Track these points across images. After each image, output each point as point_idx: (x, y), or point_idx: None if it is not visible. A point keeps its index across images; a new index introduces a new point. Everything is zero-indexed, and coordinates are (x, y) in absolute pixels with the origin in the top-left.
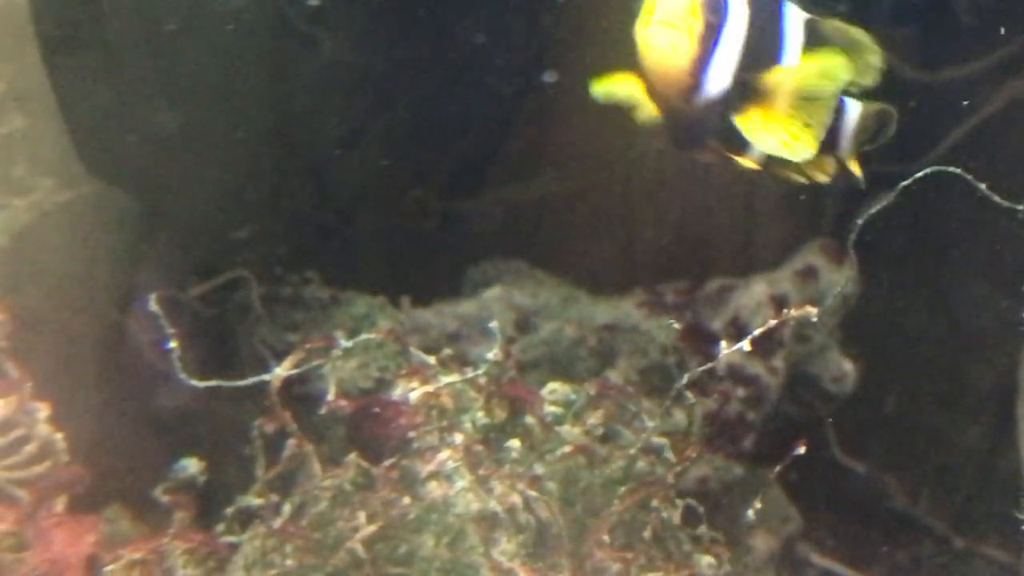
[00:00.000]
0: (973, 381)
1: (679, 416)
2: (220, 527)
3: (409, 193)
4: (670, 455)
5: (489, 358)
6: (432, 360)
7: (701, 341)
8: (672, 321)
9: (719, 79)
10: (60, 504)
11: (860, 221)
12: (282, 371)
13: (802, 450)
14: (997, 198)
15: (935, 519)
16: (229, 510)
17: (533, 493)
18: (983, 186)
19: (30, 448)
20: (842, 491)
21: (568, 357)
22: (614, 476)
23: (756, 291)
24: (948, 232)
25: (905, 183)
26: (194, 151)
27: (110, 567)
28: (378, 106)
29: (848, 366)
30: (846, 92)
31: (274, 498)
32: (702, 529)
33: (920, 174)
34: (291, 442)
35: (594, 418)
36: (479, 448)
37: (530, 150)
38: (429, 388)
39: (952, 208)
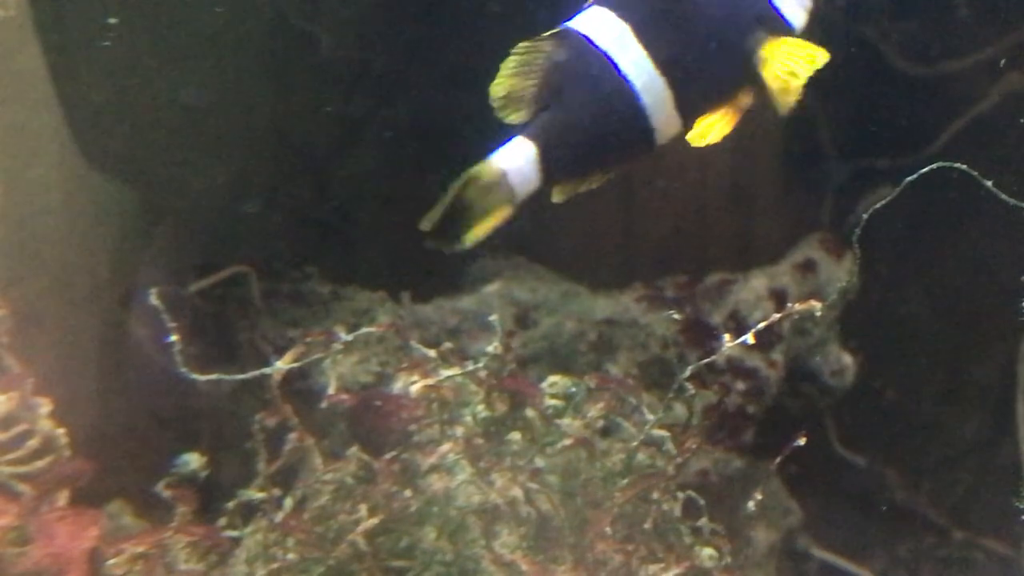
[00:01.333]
0: (973, 373)
1: (679, 409)
2: (222, 521)
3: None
4: (670, 448)
5: (489, 352)
6: (432, 354)
7: (701, 335)
8: (672, 312)
9: None
10: (62, 499)
11: (865, 215)
12: (283, 365)
13: (802, 443)
14: (1003, 195)
15: (935, 511)
16: (231, 504)
17: (534, 486)
18: (988, 183)
19: (32, 443)
20: (842, 484)
21: (568, 351)
22: (615, 469)
23: (756, 285)
24: (947, 224)
25: (910, 178)
26: (195, 145)
27: (112, 561)
28: (379, 100)
29: (847, 359)
30: None
31: (276, 492)
32: (703, 521)
33: (926, 169)
34: (292, 436)
35: (594, 411)
36: (480, 441)
37: None
38: (430, 382)
39: (951, 200)
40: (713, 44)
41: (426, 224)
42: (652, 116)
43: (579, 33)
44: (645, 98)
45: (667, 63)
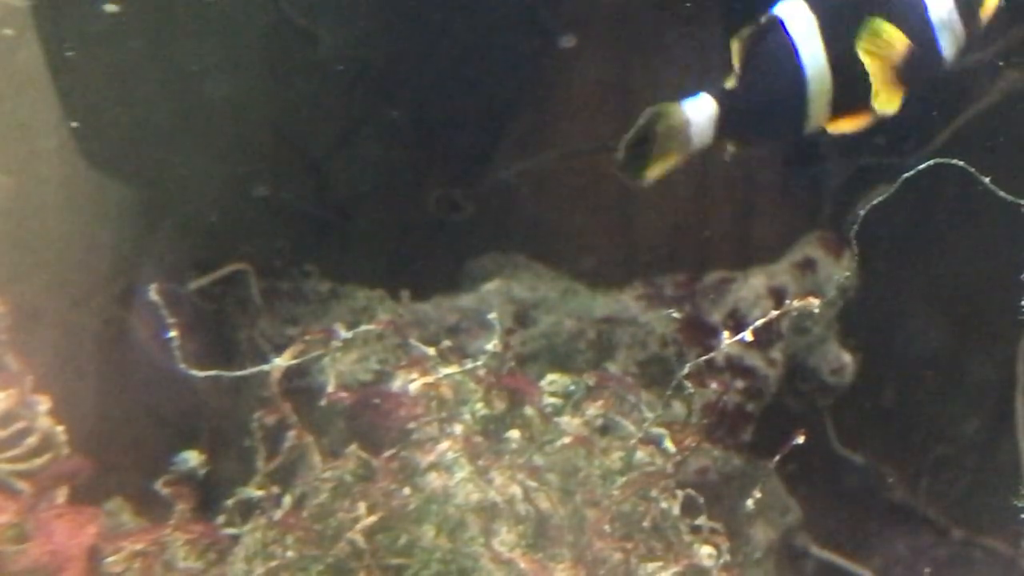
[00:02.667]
0: (972, 372)
1: (678, 407)
2: (221, 519)
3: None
4: (669, 446)
5: (488, 350)
6: (432, 352)
7: (700, 333)
8: (672, 310)
9: None
10: (61, 496)
11: (862, 213)
12: (282, 362)
13: (801, 441)
14: (1002, 193)
15: (934, 510)
16: (230, 502)
17: (533, 484)
18: (987, 180)
19: (31, 440)
20: (841, 482)
21: (567, 350)
22: (614, 467)
23: (755, 283)
24: (946, 222)
25: (907, 175)
26: (194, 142)
27: (111, 558)
28: (379, 97)
29: (846, 357)
30: None
31: (275, 490)
32: (701, 519)
33: (923, 166)
34: (291, 434)
35: (593, 409)
36: (479, 439)
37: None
38: (429, 379)
39: (950, 198)
40: None
41: (619, 152)
42: (811, 103)
43: (778, 19)
44: (811, 87)
45: (838, 61)
